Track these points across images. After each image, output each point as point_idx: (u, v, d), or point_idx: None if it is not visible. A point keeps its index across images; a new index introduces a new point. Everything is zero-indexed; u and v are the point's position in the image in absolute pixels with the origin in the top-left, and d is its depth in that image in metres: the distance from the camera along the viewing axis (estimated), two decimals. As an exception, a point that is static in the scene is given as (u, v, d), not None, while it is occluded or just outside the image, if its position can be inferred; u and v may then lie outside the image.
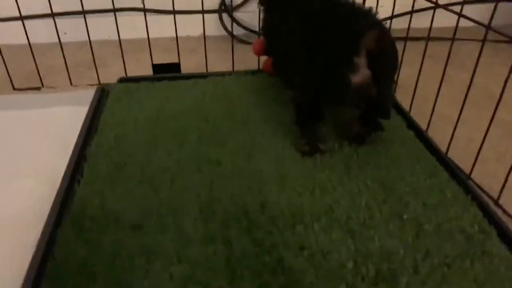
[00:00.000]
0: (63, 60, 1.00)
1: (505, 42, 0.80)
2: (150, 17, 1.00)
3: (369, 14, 0.68)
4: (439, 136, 0.84)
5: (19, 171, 0.74)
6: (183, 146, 0.74)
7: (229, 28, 1.31)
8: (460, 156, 0.79)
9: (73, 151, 0.73)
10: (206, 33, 1.04)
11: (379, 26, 0.66)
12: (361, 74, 0.63)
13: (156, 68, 1.01)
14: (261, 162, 0.70)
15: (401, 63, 0.93)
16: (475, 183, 0.72)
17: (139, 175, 0.68)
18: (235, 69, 1.05)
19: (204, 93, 0.91)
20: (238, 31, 1.31)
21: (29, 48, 0.98)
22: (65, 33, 1.21)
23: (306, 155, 0.72)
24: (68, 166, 0.70)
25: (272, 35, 0.86)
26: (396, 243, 0.56)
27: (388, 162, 0.71)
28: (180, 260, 0.54)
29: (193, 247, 0.56)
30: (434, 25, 0.86)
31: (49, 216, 0.60)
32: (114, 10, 0.98)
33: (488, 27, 0.68)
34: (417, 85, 0.87)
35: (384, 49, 0.63)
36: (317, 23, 0.69)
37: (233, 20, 1.29)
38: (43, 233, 0.57)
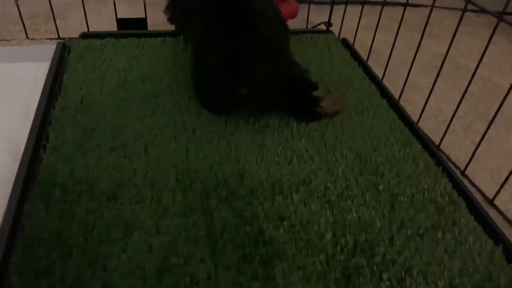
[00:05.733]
0: (17, 10, 0.91)
1: (473, 11, 0.81)
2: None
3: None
4: (409, 106, 0.85)
5: (-25, 134, 0.68)
6: (156, 111, 0.71)
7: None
8: (430, 126, 0.81)
9: (36, 114, 0.68)
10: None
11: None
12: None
13: (121, 23, 0.94)
14: (237, 130, 0.69)
15: (376, 28, 0.92)
16: (444, 154, 0.75)
17: (110, 142, 0.64)
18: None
19: (175, 53, 0.86)
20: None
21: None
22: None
23: None
24: (31, 130, 0.65)
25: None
26: (373, 214, 0.58)
27: (363, 131, 0.72)
28: (159, 232, 0.53)
29: (172, 218, 0.55)
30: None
31: (15, 185, 0.56)
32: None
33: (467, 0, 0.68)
34: (386, 51, 0.88)
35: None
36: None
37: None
38: (9, 203, 0.54)
